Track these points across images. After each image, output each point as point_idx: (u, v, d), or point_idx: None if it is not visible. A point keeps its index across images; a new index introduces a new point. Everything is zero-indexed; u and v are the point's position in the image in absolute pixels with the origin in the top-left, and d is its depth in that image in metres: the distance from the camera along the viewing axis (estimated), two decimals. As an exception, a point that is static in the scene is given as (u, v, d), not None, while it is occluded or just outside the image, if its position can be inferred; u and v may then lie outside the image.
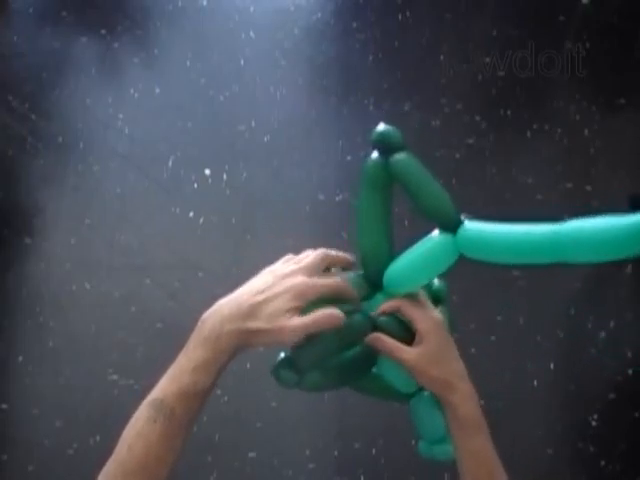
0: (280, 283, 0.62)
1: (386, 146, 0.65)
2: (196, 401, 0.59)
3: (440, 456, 0.74)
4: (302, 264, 0.65)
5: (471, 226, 0.63)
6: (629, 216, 0.53)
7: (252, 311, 0.60)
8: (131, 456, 0.57)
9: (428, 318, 0.67)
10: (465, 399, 0.66)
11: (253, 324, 0.59)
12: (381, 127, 0.66)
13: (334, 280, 0.64)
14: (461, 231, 0.63)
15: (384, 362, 0.71)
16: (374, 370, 0.73)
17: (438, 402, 0.69)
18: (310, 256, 0.66)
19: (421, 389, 0.73)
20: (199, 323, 0.62)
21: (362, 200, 0.69)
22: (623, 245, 0.53)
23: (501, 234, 0.62)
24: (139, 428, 0.59)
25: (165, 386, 0.59)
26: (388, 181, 0.66)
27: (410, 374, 0.67)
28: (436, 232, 0.65)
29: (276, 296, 0.60)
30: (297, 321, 0.59)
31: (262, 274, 0.65)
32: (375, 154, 0.67)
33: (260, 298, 0.60)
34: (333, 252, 0.67)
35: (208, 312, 0.62)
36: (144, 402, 0.60)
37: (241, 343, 0.60)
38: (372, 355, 0.70)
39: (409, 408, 0.75)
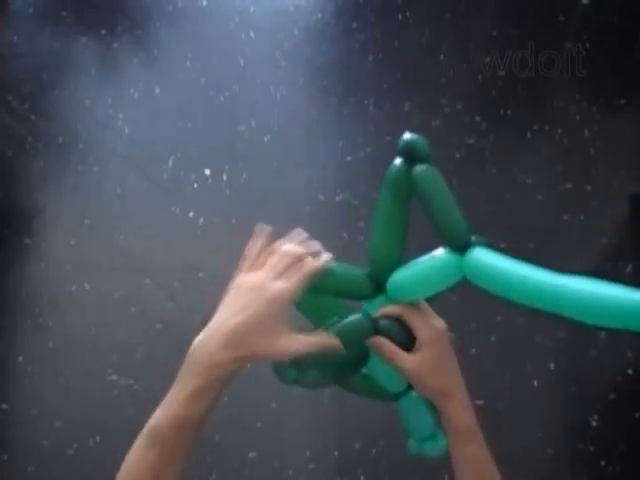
0: (259, 297, 0.60)
1: (411, 155, 0.65)
2: (190, 429, 0.59)
3: (430, 453, 0.74)
4: (271, 270, 0.64)
5: (479, 252, 0.63)
6: (633, 291, 0.54)
7: (241, 336, 0.59)
8: None
9: (430, 327, 0.68)
10: (460, 409, 0.66)
11: (246, 350, 0.59)
12: (408, 135, 0.65)
13: (302, 275, 0.63)
14: (469, 255, 0.63)
15: (374, 361, 0.71)
16: (363, 369, 0.73)
17: (427, 401, 0.70)
18: (275, 258, 0.65)
19: (409, 388, 0.73)
20: (188, 354, 0.61)
21: (381, 202, 0.69)
22: (621, 318, 0.56)
23: (507, 269, 0.63)
24: (135, 456, 0.59)
25: (160, 415, 0.59)
26: (409, 189, 0.66)
27: (408, 381, 0.68)
28: (445, 249, 0.65)
29: (259, 311, 0.60)
30: (292, 344, 0.60)
31: (234, 290, 0.64)
32: (399, 160, 0.66)
33: (243, 318, 0.59)
34: (298, 248, 0.66)
35: (196, 342, 0.61)
36: (142, 430, 0.60)
37: (236, 369, 0.59)
38: (367, 353, 0.70)
39: (397, 407, 0.75)
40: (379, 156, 2.09)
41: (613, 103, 2.24)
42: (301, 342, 0.61)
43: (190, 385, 0.58)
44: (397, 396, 0.74)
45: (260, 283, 0.62)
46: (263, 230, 0.68)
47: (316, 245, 0.68)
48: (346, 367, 0.70)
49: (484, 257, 0.62)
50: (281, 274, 0.62)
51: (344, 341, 0.65)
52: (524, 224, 2.03)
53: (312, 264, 0.64)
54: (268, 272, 0.63)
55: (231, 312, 0.61)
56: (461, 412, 0.66)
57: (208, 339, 0.60)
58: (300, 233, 0.68)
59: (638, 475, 1.73)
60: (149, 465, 0.57)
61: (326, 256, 0.67)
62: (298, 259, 0.64)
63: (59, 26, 2.37)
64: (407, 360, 0.66)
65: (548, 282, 0.60)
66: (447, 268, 0.64)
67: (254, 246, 0.69)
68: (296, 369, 0.64)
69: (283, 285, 0.61)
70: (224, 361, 0.58)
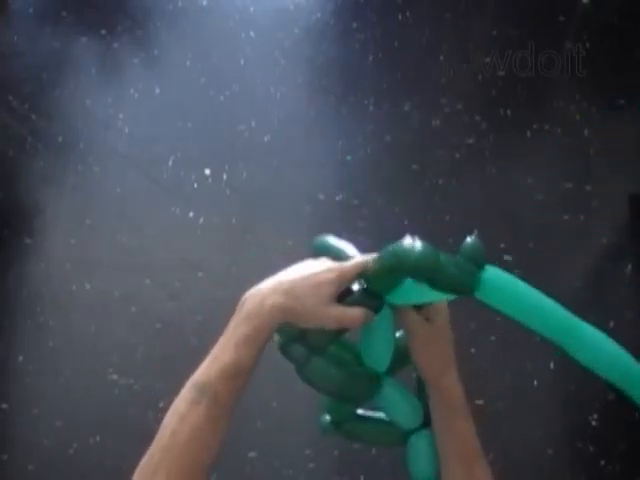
0: (320, 264, 0.63)
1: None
2: (239, 380, 0.59)
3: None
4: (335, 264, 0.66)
5: (491, 273, 0.63)
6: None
7: (292, 288, 0.60)
8: (174, 441, 0.56)
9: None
10: (456, 382, 0.67)
11: (294, 302, 0.60)
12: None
13: (362, 258, 0.65)
14: (484, 275, 0.62)
15: (391, 393, 0.70)
16: (376, 403, 0.72)
17: (433, 438, 0.69)
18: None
19: (422, 426, 0.72)
20: (239, 305, 0.61)
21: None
22: (620, 379, 0.63)
23: (520, 294, 0.65)
24: (182, 412, 0.57)
25: (207, 368, 0.59)
26: None
27: (413, 349, 0.67)
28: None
29: (318, 274, 0.61)
30: (337, 312, 0.61)
31: (295, 265, 0.66)
32: None
33: (299, 276, 0.61)
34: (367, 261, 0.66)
35: (248, 293, 0.62)
36: (186, 385, 0.59)
37: (281, 319, 0.60)
38: (376, 378, 0.70)
39: (406, 448, 0.73)
40: (379, 156, 2.09)
41: (613, 103, 2.24)
42: (350, 313, 0.62)
43: (238, 332, 0.59)
44: (409, 434, 0.72)
45: (321, 259, 0.64)
46: None
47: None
48: (354, 379, 0.69)
49: (496, 278, 0.63)
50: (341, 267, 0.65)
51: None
52: (524, 224, 2.03)
53: (365, 260, 0.65)
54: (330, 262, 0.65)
55: (291, 272, 0.62)
56: (456, 385, 0.67)
57: (261, 289, 0.61)
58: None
59: (638, 475, 1.73)
60: (201, 420, 0.56)
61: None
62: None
63: (59, 26, 2.37)
64: (420, 323, 0.66)
65: (564, 320, 0.64)
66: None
67: None
68: (308, 348, 0.64)
69: (341, 265, 0.63)
70: (274, 306, 0.59)
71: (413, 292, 0.65)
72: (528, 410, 1.80)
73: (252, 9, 2.41)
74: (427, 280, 0.61)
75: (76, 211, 2.05)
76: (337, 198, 2.04)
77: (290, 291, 0.60)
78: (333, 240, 0.71)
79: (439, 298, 0.65)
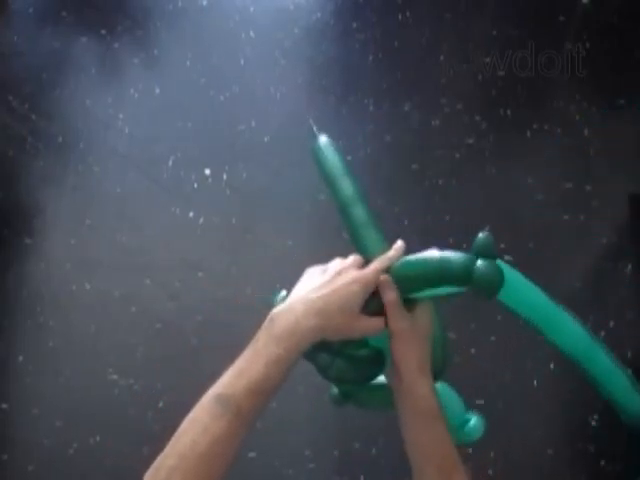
0: (342, 275, 0.62)
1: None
2: (263, 398, 0.58)
3: (470, 438, 0.74)
4: (342, 262, 0.66)
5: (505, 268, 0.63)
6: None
7: (325, 307, 0.60)
8: (194, 451, 0.56)
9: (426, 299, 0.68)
10: (429, 386, 0.65)
11: (327, 322, 0.60)
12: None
13: (382, 263, 0.65)
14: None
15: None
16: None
17: (450, 389, 0.70)
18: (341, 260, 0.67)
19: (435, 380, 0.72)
20: (268, 320, 0.61)
21: None
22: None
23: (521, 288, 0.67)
24: (205, 423, 0.57)
25: (233, 381, 0.58)
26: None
27: (395, 346, 0.65)
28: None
29: (345, 287, 0.61)
30: (363, 325, 0.62)
31: (310, 274, 0.65)
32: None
33: (329, 292, 0.61)
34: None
35: (278, 309, 0.61)
36: (208, 396, 0.59)
37: (315, 339, 0.60)
38: (381, 356, 0.69)
39: None
40: (379, 156, 2.09)
41: (613, 103, 2.24)
42: (373, 323, 0.63)
43: (270, 352, 0.58)
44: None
45: (347, 266, 0.64)
46: None
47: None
48: (371, 366, 0.69)
49: (509, 275, 0.63)
50: (351, 265, 0.65)
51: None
52: (524, 224, 2.03)
53: (387, 256, 0.66)
54: (340, 262, 0.66)
55: (312, 287, 0.62)
56: (431, 391, 0.65)
57: (293, 307, 0.61)
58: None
59: (638, 475, 1.73)
60: (222, 433, 0.56)
61: (399, 245, 0.68)
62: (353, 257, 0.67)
63: (59, 26, 2.37)
64: (405, 318, 0.65)
65: (581, 335, 0.69)
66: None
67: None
68: (331, 354, 0.64)
69: (368, 271, 0.63)
70: (309, 328, 0.59)
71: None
72: (528, 410, 1.80)
73: (252, 9, 2.41)
74: (464, 285, 0.61)
75: (76, 211, 2.05)
76: (337, 198, 2.03)
77: (323, 311, 0.60)
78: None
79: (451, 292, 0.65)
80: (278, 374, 0.59)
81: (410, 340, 0.65)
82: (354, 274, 0.63)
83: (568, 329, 0.63)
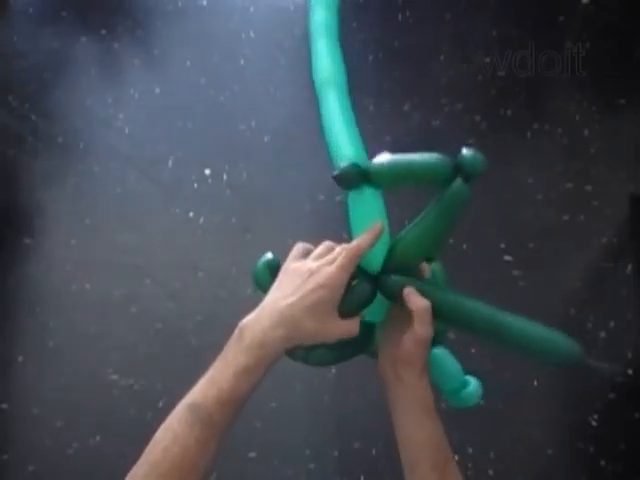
0: (311, 281, 0.62)
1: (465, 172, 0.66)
2: (234, 407, 0.59)
3: (468, 402, 0.74)
4: (318, 256, 0.65)
5: None
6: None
7: (292, 317, 0.60)
8: (166, 459, 0.57)
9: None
10: (429, 386, 0.66)
11: (294, 332, 0.60)
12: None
13: (352, 248, 0.64)
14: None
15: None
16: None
17: (448, 354, 0.71)
18: (320, 247, 0.67)
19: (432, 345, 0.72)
20: (237, 331, 0.62)
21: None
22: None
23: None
24: (176, 431, 0.58)
25: (204, 390, 0.59)
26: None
27: (407, 347, 0.65)
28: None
29: (313, 294, 0.61)
30: (336, 329, 0.62)
31: (283, 274, 0.65)
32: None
33: (296, 300, 0.61)
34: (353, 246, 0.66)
35: (246, 320, 0.62)
36: (181, 404, 0.59)
37: (283, 348, 0.60)
38: (372, 333, 0.70)
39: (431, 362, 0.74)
40: (379, 156, 2.09)
41: (613, 103, 2.24)
42: (346, 327, 0.63)
43: (239, 362, 0.59)
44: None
45: (310, 268, 0.63)
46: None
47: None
48: (352, 346, 0.69)
49: None
50: (329, 261, 0.63)
51: (346, 308, 0.64)
52: (524, 224, 2.03)
53: (357, 245, 0.65)
54: (316, 258, 0.65)
55: (283, 294, 0.62)
56: (429, 389, 0.66)
57: (260, 318, 0.61)
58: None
59: (638, 475, 1.73)
60: (193, 442, 0.57)
61: (376, 228, 0.67)
62: (341, 247, 0.66)
63: (59, 26, 2.37)
64: (431, 326, 0.65)
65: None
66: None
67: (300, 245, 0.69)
68: (304, 349, 0.64)
69: (332, 269, 0.62)
70: (276, 339, 0.59)
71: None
72: (528, 410, 1.80)
73: (252, 9, 2.41)
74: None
75: (76, 211, 2.05)
76: (337, 198, 2.03)
77: (290, 321, 0.60)
78: None
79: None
80: (248, 384, 0.59)
81: (426, 347, 0.65)
82: (322, 277, 0.62)
83: (471, 308, 0.64)
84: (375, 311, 0.69)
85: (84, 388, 1.81)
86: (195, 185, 2.09)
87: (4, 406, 1.79)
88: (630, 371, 1.85)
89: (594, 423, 1.78)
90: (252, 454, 1.72)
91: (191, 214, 2.04)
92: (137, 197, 2.08)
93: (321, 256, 0.65)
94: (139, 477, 0.57)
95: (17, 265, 1.98)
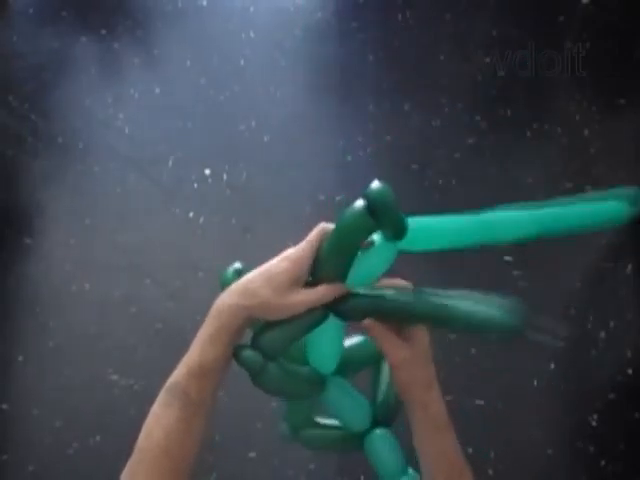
0: (276, 257, 0.64)
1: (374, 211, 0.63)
2: (208, 379, 0.59)
3: None
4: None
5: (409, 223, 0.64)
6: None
7: (246, 285, 0.62)
8: (151, 443, 0.57)
9: None
10: (439, 398, 0.66)
11: (250, 300, 0.61)
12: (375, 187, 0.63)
13: (317, 231, 0.64)
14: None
15: (337, 398, 0.70)
16: (325, 406, 0.72)
17: (392, 436, 0.70)
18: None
19: (373, 427, 0.72)
20: (213, 306, 0.63)
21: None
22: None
23: (436, 224, 0.65)
24: (157, 414, 0.59)
25: (178, 370, 0.61)
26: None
27: (395, 373, 0.66)
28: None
29: (274, 265, 0.63)
30: (300, 296, 0.62)
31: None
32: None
33: (257, 272, 0.63)
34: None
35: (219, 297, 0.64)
36: (162, 390, 0.61)
37: (243, 317, 0.61)
38: (319, 379, 0.69)
39: (364, 449, 0.74)
40: (379, 156, 2.10)
41: (613, 103, 2.24)
42: (309, 296, 0.62)
43: (203, 333, 0.61)
44: (362, 436, 0.73)
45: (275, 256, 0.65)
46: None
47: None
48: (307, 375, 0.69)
49: (414, 224, 0.64)
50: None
51: (308, 325, 0.64)
52: (524, 224, 2.03)
53: (321, 226, 0.65)
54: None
55: (251, 273, 0.64)
56: (439, 401, 0.66)
57: (229, 291, 0.63)
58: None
59: (638, 475, 1.73)
60: (174, 420, 0.58)
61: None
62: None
63: (59, 26, 2.37)
64: (402, 348, 0.65)
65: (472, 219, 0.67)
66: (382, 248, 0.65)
67: None
68: (263, 355, 0.64)
69: (299, 245, 0.64)
70: (232, 306, 0.61)
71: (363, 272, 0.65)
72: (528, 410, 1.80)
73: (252, 9, 2.41)
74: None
75: (76, 211, 2.05)
76: (337, 198, 2.04)
77: (245, 289, 0.61)
78: None
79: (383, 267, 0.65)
80: (214, 353, 0.60)
81: (413, 367, 0.65)
82: (289, 251, 0.64)
83: (415, 303, 0.64)
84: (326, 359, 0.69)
85: (84, 388, 1.81)
86: (195, 185, 2.09)
87: (4, 406, 1.79)
88: (630, 371, 1.85)
89: (594, 423, 1.79)
90: (252, 454, 1.72)
91: (191, 214, 2.04)
92: (137, 197, 2.08)
93: None
94: (132, 466, 0.58)
95: (17, 265, 1.98)
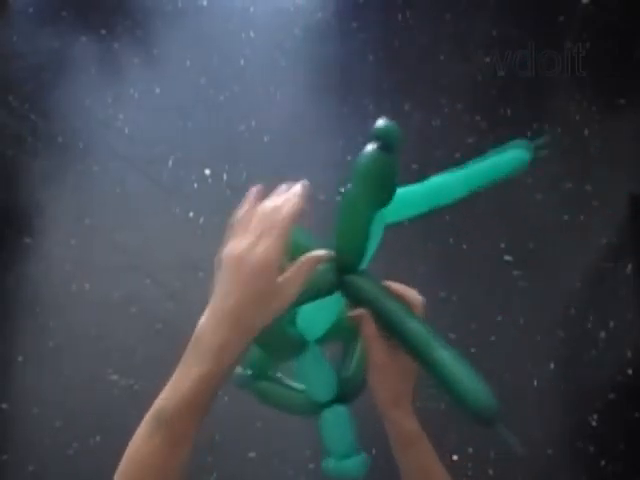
0: (247, 270, 0.59)
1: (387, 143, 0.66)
2: (195, 413, 0.58)
3: (351, 471, 0.74)
4: (250, 234, 0.62)
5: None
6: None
7: (243, 314, 0.58)
8: (133, 469, 0.57)
9: None
10: (407, 415, 0.66)
11: (252, 326, 0.59)
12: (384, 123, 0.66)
13: (278, 229, 0.61)
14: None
15: (309, 365, 0.69)
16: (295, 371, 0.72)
17: (349, 415, 0.71)
18: (254, 220, 0.64)
19: (335, 401, 0.72)
20: (194, 336, 0.60)
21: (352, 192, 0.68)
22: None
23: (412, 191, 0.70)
24: (140, 440, 0.58)
25: (166, 396, 0.58)
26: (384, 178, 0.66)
27: (371, 377, 0.66)
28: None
29: (249, 286, 0.58)
30: (289, 290, 0.59)
31: (223, 266, 0.61)
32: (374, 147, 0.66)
33: (239, 297, 0.58)
34: (274, 202, 0.64)
35: (201, 325, 0.60)
36: (145, 417, 0.59)
37: (235, 354, 0.58)
38: (302, 343, 0.68)
39: (320, 421, 0.73)
40: (379, 156, 2.09)
41: (613, 103, 2.24)
42: (295, 282, 0.60)
43: (201, 368, 0.57)
44: (322, 407, 0.72)
45: (242, 254, 0.59)
46: (253, 192, 0.68)
47: (296, 187, 0.65)
48: (286, 349, 0.68)
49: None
50: (261, 235, 0.60)
51: (307, 295, 0.63)
52: (524, 224, 2.03)
53: (286, 212, 0.62)
54: (248, 238, 0.61)
55: (225, 292, 0.60)
56: (407, 418, 0.66)
57: (215, 322, 0.59)
58: (286, 186, 0.67)
59: (638, 475, 1.73)
60: (155, 449, 0.56)
61: (302, 186, 0.64)
62: (275, 213, 0.63)
63: (59, 26, 2.37)
64: (383, 352, 0.64)
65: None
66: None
67: (243, 210, 0.67)
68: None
69: (263, 248, 0.59)
70: (234, 343, 0.58)
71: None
72: (528, 410, 1.80)
73: (252, 9, 2.41)
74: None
75: (76, 211, 2.05)
76: (337, 198, 2.04)
77: (241, 321, 0.58)
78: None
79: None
80: (208, 389, 0.57)
81: (388, 373, 0.65)
82: (255, 260, 0.58)
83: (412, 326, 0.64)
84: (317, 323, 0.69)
85: (84, 388, 1.81)
86: (195, 185, 2.09)
87: (4, 406, 1.79)
88: (630, 371, 1.85)
89: (594, 423, 1.78)
90: (252, 454, 1.72)
91: (191, 214, 2.04)
92: (137, 197, 2.08)
93: (254, 230, 0.62)
94: None
95: (17, 265, 1.97)
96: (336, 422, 0.73)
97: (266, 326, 0.59)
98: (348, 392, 0.73)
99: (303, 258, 0.62)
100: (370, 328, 0.65)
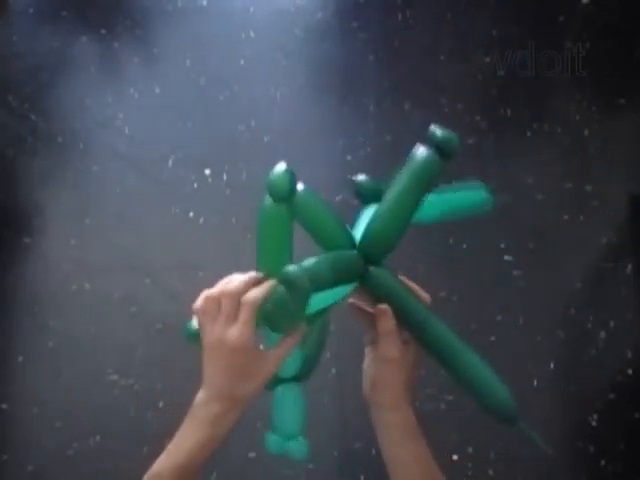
0: (225, 352, 0.62)
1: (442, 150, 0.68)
2: (190, 476, 0.63)
3: (294, 453, 0.74)
4: (222, 316, 0.65)
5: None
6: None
7: (228, 390, 0.62)
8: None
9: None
10: (410, 406, 0.67)
11: (241, 399, 0.63)
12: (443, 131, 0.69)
13: (246, 313, 0.63)
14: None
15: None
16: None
17: (302, 396, 0.72)
18: (223, 301, 0.67)
19: (295, 378, 0.72)
20: (192, 409, 0.64)
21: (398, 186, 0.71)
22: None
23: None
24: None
25: (162, 461, 0.63)
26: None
27: (380, 372, 0.66)
28: None
29: (230, 364, 0.62)
30: (271, 364, 0.63)
31: (205, 351, 0.65)
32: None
33: (224, 377, 0.62)
34: (235, 283, 0.67)
35: (198, 399, 0.64)
36: (144, 477, 0.64)
37: (232, 420, 0.63)
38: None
39: (273, 395, 0.74)
40: (379, 156, 2.09)
41: (613, 103, 2.24)
42: (277, 357, 0.64)
43: (197, 436, 0.63)
44: (279, 382, 0.73)
45: (218, 337, 0.63)
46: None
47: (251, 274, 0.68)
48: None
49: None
50: (232, 316, 0.64)
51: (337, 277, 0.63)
52: (524, 224, 2.03)
53: (252, 297, 0.64)
54: (220, 322, 0.65)
55: (213, 372, 0.64)
56: (410, 409, 0.67)
57: (208, 397, 0.63)
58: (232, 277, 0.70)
59: (638, 475, 1.73)
60: None
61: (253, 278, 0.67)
62: (240, 294, 0.65)
63: (59, 26, 2.37)
64: (398, 347, 0.66)
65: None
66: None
67: (203, 296, 0.71)
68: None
69: (236, 330, 0.62)
70: (227, 415, 0.63)
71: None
72: (528, 410, 1.80)
73: (252, 9, 2.41)
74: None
75: (76, 211, 2.05)
76: (337, 198, 2.04)
77: (229, 395, 0.62)
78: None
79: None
80: (202, 455, 0.63)
81: (400, 368, 0.66)
82: (230, 342, 0.61)
83: (436, 327, 0.65)
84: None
85: (84, 388, 1.81)
86: (195, 185, 2.09)
87: (4, 406, 1.79)
88: (630, 371, 1.85)
89: (594, 423, 1.78)
90: (252, 454, 1.72)
91: (191, 214, 2.04)
92: (137, 197, 2.08)
93: (224, 312, 0.65)
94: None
95: (16, 265, 1.97)
96: (292, 400, 0.74)
97: (257, 393, 0.64)
98: (305, 372, 0.73)
99: (286, 338, 0.65)
100: (389, 323, 0.65)
